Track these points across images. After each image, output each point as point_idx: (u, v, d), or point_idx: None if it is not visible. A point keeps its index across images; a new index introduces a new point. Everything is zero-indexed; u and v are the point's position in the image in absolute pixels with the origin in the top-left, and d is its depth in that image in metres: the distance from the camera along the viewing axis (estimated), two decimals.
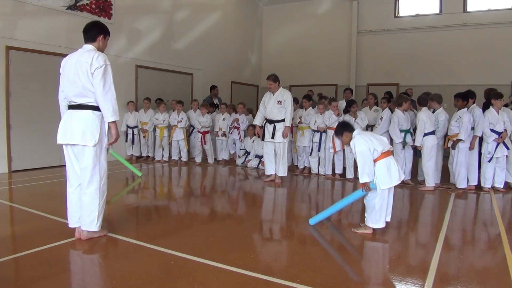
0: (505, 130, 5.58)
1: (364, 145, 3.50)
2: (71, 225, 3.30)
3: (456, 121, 5.66)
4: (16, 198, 5.16)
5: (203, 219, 4.32)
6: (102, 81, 3.03)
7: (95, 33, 3.25)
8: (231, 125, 8.32)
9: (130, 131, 8.48)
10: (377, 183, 3.51)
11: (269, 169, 6.27)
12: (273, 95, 6.09)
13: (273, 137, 6.06)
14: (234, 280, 2.57)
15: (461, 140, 5.55)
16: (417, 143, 5.69)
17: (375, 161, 3.51)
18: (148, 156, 8.69)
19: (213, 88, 9.62)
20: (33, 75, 6.97)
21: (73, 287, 2.50)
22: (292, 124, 6.65)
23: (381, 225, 3.62)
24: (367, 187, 3.53)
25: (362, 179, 3.50)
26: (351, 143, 3.64)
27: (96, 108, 3.11)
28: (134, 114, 8.49)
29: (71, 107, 3.18)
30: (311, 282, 2.54)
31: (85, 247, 3.16)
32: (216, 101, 9.52)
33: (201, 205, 4.96)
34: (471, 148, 5.68)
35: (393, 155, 3.71)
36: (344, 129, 3.74)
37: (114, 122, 3.14)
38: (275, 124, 6.06)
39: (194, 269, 2.75)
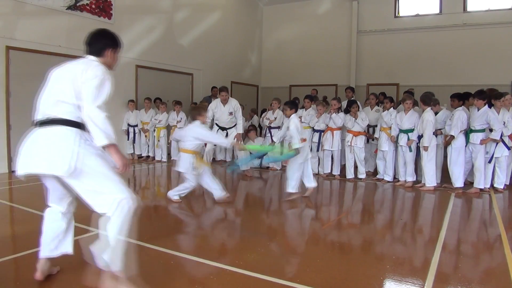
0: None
1: (298, 123, 4.87)
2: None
3: (450, 119, 5.70)
4: (16, 198, 5.15)
5: (203, 219, 4.32)
6: (95, 92, 2.21)
7: (101, 46, 2.46)
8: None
9: (131, 129, 8.49)
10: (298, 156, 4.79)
11: None
12: (224, 106, 6.54)
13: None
14: (234, 280, 2.57)
15: (453, 137, 5.56)
16: (426, 144, 5.67)
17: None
18: (148, 156, 8.70)
19: (213, 88, 9.76)
20: (33, 75, 6.93)
21: (73, 287, 2.49)
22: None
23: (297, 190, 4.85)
24: (297, 151, 4.72)
25: (296, 145, 4.70)
26: (290, 119, 4.93)
27: (73, 124, 2.25)
28: (135, 113, 8.51)
29: (37, 123, 2.31)
30: (311, 282, 2.54)
31: (85, 247, 3.15)
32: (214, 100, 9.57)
33: (200, 205, 4.96)
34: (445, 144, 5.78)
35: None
36: (292, 105, 5.12)
37: (113, 146, 2.23)
38: (227, 130, 6.62)
39: (194, 269, 2.75)
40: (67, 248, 2.59)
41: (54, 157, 2.18)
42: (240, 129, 6.58)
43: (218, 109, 6.57)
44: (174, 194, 4.79)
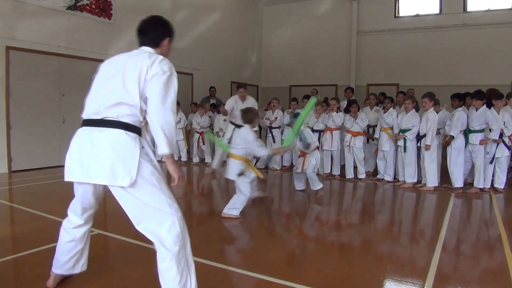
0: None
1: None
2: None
3: (450, 119, 5.71)
4: (16, 198, 5.16)
5: (203, 219, 4.32)
6: (162, 91, 1.94)
7: (158, 35, 2.20)
8: None
9: None
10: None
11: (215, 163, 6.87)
12: (243, 103, 6.41)
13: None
14: (234, 280, 2.57)
15: (452, 137, 5.56)
16: (428, 142, 5.67)
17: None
18: None
19: (210, 88, 9.84)
20: (33, 75, 6.96)
21: (73, 287, 2.49)
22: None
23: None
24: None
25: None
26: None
27: (131, 128, 1.99)
28: None
29: (89, 123, 2.04)
30: (311, 282, 2.54)
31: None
32: (212, 100, 9.58)
33: (200, 205, 4.96)
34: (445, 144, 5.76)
35: None
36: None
37: (171, 156, 2.06)
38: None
39: None
40: (83, 266, 2.44)
41: (116, 167, 1.93)
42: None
43: (238, 106, 6.45)
44: (232, 209, 4.16)
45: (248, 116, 4.40)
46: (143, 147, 2.04)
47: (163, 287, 2.03)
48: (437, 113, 6.01)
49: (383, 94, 7.74)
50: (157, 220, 1.98)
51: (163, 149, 1.97)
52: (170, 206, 2.01)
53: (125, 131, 1.97)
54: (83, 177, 2.00)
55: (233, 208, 4.14)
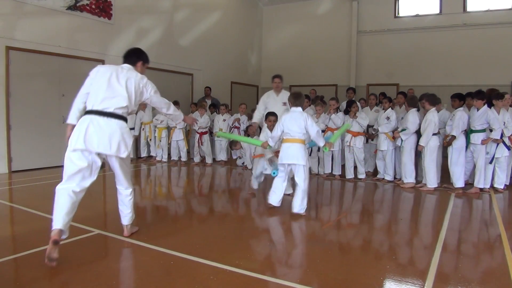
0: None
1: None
2: (59, 227, 2.80)
3: (450, 119, 5.70)
4: (16, 198, 5.16)
5: (203, 219, 4.32)
6: (157, 93, 3.31)
7: (135, 59, 3.32)
8: (232, 125, 8.34)
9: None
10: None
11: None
12: (277, 96, 5.88)
13: None
14: (234, 280, 2.57)
15: (454, 137, 5.56)
16: (421, 143, 5.67)
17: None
18: (150, 156, 8.70)
19: (205, 89, 9.84)
20: (33, 75, 6.96)
21: (73, 287, 2.49)
22: None
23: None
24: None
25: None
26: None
27: (125, 119, 3.09)
28: (132, 117, 8.50)
29: (98, 113, 2.96)
30: (311, 282, 2.54)
31: (85, 247, 3.16)
32: (208, 100, 9.58)
33: (201, 205, 4.96)
34: (445, 145, 5.74)
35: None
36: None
37: (183, 117, 3.64)
38: None
39: (194, 269, 2.75)
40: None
41: (120, 144, 2.99)
42: None
43: (270, 99, 5.87)
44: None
45: (301, 100, 4.33)
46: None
47: (123, 212, 3.36)
48: (438, 112, 5.99)
49: (383, 94, 7.73)
50: (128, 179, 3.29)
51: (180, 115, 3.60)
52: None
53: (123, 121, 3.06)
54: (99, 148, 2.93)
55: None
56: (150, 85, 3.24)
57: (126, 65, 3.24)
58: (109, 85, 3.01)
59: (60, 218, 2.79)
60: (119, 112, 3.01)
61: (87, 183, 2.97)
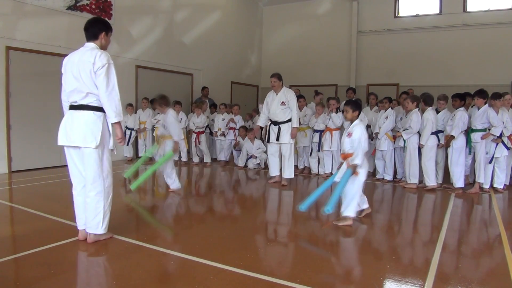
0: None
1: (365, 133, 3.88)
2: (79, 228, 3.26)
3: (451, 119, 5.71)
4: (16, 198, 5.15)
5: (203, 219, 4.32)
6: (105, 80, 2.92)
7: (96, 30, 3.11)
8: (226, 126, 8.35)
9: (128, 132, 8.48)
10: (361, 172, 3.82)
11: (274, 171, 6.16)
12: (276, 95, 5.89)
13: (278, 139, 5.88)
14: (234, 280, 2.57)
15: (453, 137, 5.56)
16: (422, 142, 5.69)
17: None
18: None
19: (203, 89, 9.83)
20: (33, 75, 6.96)
21: (73, 287, 2.50)
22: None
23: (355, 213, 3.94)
24: (354, 168, 3.74)
25: (356, 161, 3.74)
26: (354, 125, 3.90)
27: (98, 109, 3.02)
28: (133, 116, 8.51)
29: (72, 107, 3.08)
30: (311, 282, 2.54)
31: (85, 247, 3.16)
32: (205, 100, 9.59)
33: (201, 205, 4.96)
34: (445, 145, 5.73)
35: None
36: (356, 107, 3.96)
37: (118, 123, 3.04)
38: (280, 125, 5.87)
39: (194, 269, 2.75)
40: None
41: (87, 135, 2.98)
42: (295, 123, 5.79)
43: (270, 99, 5.91)
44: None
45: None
46: (105, 121, 3.08)
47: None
48: (439, 111, 5.98)
49: (386, 99, 7.56)
50: (94, 178, 3.11)
51: (114, 118, 3.00)
52: (107, 171, 3.21)
53: (93, 111, 3.02)
54: (67, 141, 3.06)
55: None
56: (104, 69, 2.93)
57: (88, 45, 3.08)
58: (71, 77, 3.01)
59: (81, 218, 3.23)
60: (85, 102, 3.00)
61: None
